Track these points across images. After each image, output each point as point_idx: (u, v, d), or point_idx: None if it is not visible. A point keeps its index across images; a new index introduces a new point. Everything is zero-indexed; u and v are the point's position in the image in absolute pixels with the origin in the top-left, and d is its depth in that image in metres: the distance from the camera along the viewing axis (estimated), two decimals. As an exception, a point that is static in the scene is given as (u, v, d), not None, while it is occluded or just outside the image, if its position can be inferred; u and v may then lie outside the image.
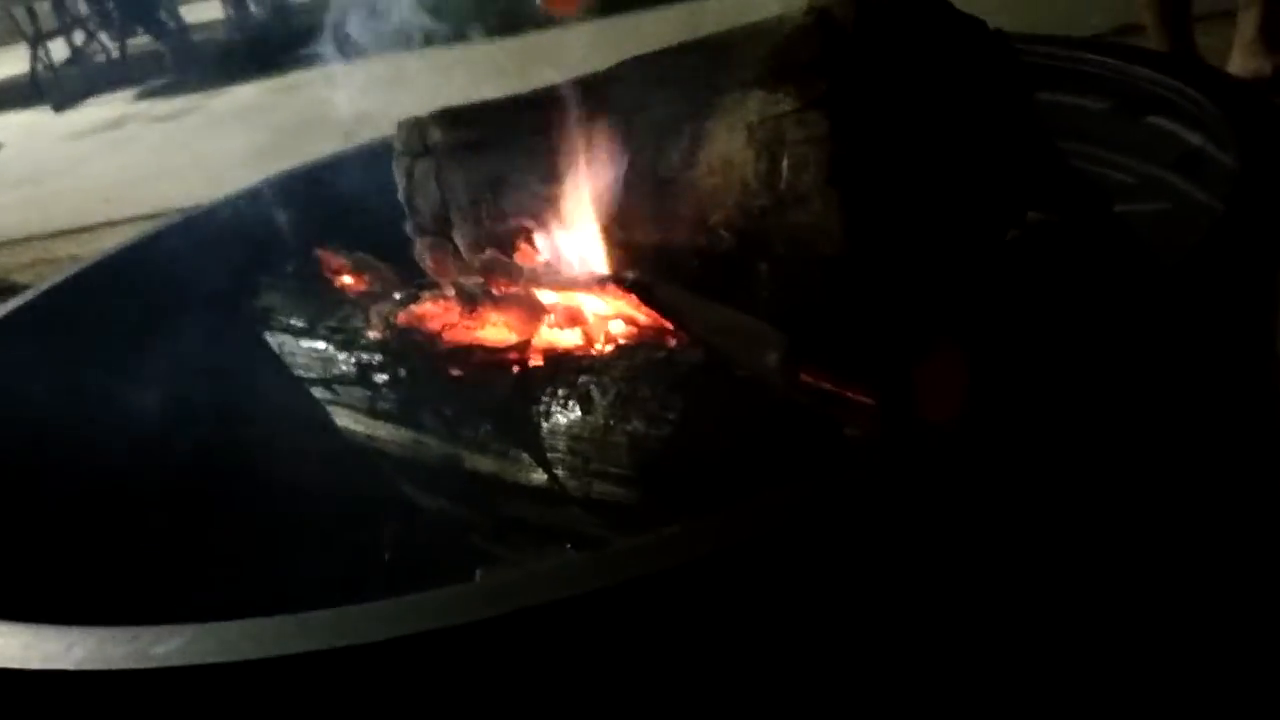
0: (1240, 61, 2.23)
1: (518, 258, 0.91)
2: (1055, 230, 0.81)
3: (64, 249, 3.45)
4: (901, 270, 0.72)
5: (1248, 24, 2.23)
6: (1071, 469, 0.58)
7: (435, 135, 0.98)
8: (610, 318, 0.82)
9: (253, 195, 1.21)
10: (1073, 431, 0.56)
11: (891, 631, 0.56)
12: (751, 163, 0.72)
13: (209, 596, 0.72)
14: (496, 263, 0.90)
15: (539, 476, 0.76)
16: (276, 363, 0.99)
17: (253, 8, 6.25)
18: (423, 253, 1.01)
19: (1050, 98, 0.95)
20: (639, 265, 0.83)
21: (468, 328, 0.87)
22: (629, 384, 0.73)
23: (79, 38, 6.45)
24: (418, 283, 0.99)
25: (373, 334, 0.91)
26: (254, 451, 0.91)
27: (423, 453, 0.85)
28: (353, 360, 0.91)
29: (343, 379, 0.92)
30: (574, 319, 0.83)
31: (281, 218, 1.14)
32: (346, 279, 1.06)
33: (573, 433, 0.74)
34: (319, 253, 1.08)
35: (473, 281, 0.89)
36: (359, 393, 0.90)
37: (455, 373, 0.84)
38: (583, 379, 0.75)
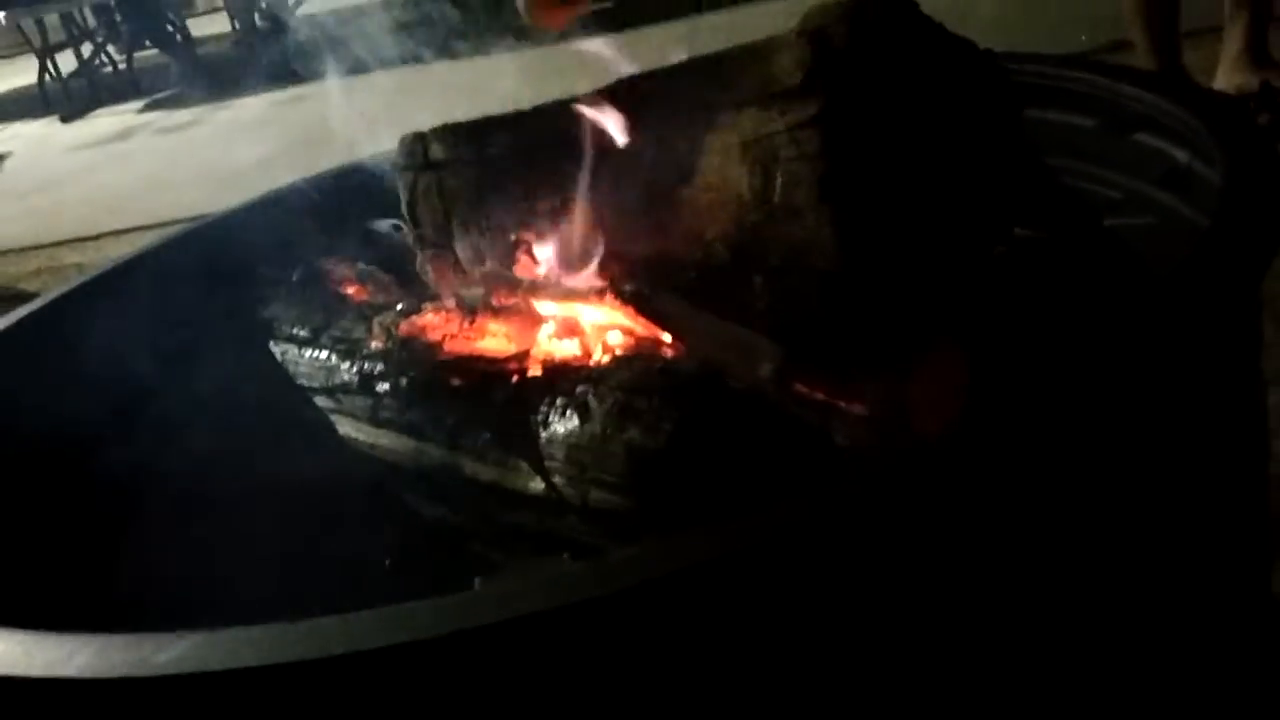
0: (1226, 77, 2.24)
1: (518, 269, 0.92)
2: (1043, 246, 0.82)
3: (70, 258, 3.47)
4: (894, 284, 0.73)
5: (1234, 40, 2.24)
6: (1063, 482, 0.59)
7: (437, 150, 0.99)
8: (608, 329, 0.84)
9: (256, 207, 1.22)
10: (1063, 444, 0.57)
11: (887, 642, 0.56)
12: (746, 179, 0.73)
13: (209, 603, 0.73)
14: (497, 274, 0.91)
15: (537, 485, 0.77)
16: (279, 370, 1.00)
17: (259, 21, 6.27)
18: (424, 264, 1.03)
19: (1040, 115, 0.96)
20: (636, 277, 0.84)
21: (468, 338, 0.88)
22: (626, 394, 0.73)
23: (87, 50, 6.49)
24: (419, 294, 1.00)
25: (375, 343, 0.92)
26: (256, 459, 0.91)
27: (423, 461, 0.86)
28: (355, 369, 0.92)
29: (345, 388, 0.93)
30: (572, 330, 0.85)
31: (285, 228, 1.15)
32: (350, 289, 1.07)
33: (570, 442, 0.75)
34: (323, 263, 1.09)
35: (473, 293, 0.90)
36: (361, 401, 0.91)
37: (456, 382, 0.85)
38: (580, 389, 0.76)
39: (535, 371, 0.82)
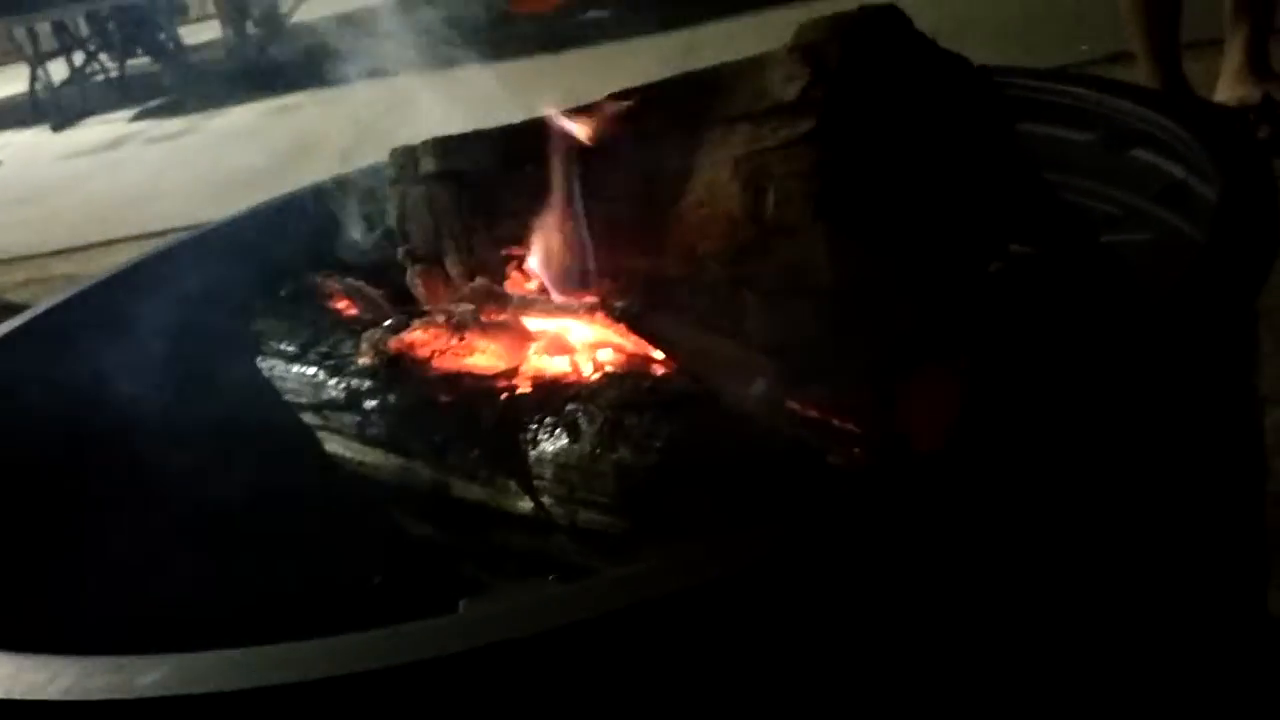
0: (1228, 89, 2.25)
1: (508, 285, 0.92)
2: (1040, 262, 0.82)
3: (59, 268, 3.46)
4: (888, 301, 0.73)
5: (1235, 52, 2.25)
6: (1059, 499, 0.58)
7: (428, 163, 0.99)
8: (598, 346, 0.83)
9: (246, 219, 1.22)
10: (1059, 462, 0.57)
11: (880, 661, 0.56)
12: (739, 195, 0.73)
13: (194, 625, 0.72)
14: (487, 290, 0.91)
15: (526, 504, 0.76)
16: (267, 387, 0.99)
17: (251, 30, 6.28)
18: (414, 279, 1.02)
19: (1038, 130, 0.96)
20: (628, 294, 0.84)
21: (457, 354, 0.87)
22: (616, 412, 0.73)
23: (78, 58, 6.48)
24: (409, 309, 0.99)
25: (363, 360, 0.91)
26: (242, 477, 0.91)
27: (411, 479, 0.85)
28: (343, 386, 0.92)
29: (333, 404, 0.92)
30: (562, 347, 0.84)
31: (274, 242, 1.15)
32: (339, 304, 1.07)
33: (560, 461, 0.74)
34: (312, 278, 1.09)
35: (463, 308, 0.90)
36: (349, 418, 0.91)
37: (444, 399, 0.84)
38: (570, 407, 0.76)
39: (524, 389, 0.81)
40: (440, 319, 0.88)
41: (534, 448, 0.76)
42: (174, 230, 3.03)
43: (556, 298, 0.88)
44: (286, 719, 0.51)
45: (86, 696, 0.51)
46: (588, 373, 0.81)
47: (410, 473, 0.85)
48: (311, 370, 0.95)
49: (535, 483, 0.76)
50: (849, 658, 0.55)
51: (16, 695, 0.52)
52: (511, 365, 0.85)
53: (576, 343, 0.84)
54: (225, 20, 6.42)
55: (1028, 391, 0.66)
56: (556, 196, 0.87)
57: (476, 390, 0.83)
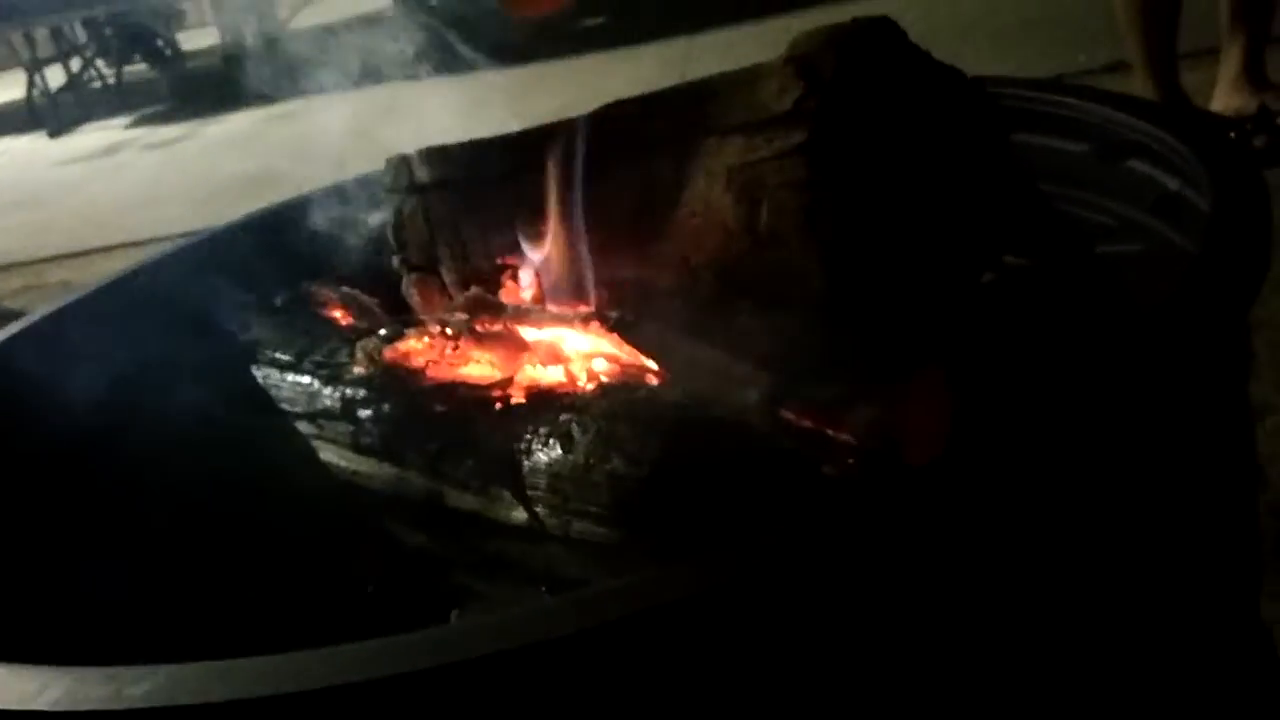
0: (1224, 99, 2.26)
1: (503, 294, 0.92)
2: (1034, 273, 0.82)
3: (56, 275, 3.46)
4: (881, 312, 0.73)
5: (1231, 62, 2.26)
6: (1051, 509, 0.59)
7: (423, 172, 0.99)
8: (592, 356, 0.83)
9: (240, 227, 1.22)
10: (1052, 472, 0.57)
11: (872, 672, 0.56)
12: (732, 206, 0.73)
13: (186, 634, 0.72)
14: (482, 299, 0.91)
15: (519, 514, 0.76)
16: (261, 396, 0.99)
17: (249, 37, 6.28)
18: (409, 288, 1.02)
19: (1033, 140, 0.96)
20: (622, 304, 0.84)
21: (452, 364, 0.87)
22: (610, 423, 0.73)
23: (76, 64, 6.48)
24: (404, 318, 1.00)
25: (358, 369, 0.91)
26: (234, 486, 0.91)
27: (405, 488, 0.85)
28: (337, 395, 0.92)
29: (327, 413, 0.92)
30: (557, 357, 0.84)
31: (269, 250, 1.15)
32: (334, 313, 1.07)
33: (553, 471, 0.74)
34: (307, 286, 1.09)
35: (458, 318, 0.90)
36: (343, 427, 0.91)
37: (439, 409, 0.84)
38: (564, 417, 0.76)
39: (519, 399, 0.81)
40: (435, 328, 0.88)
41: (528, 458, 0.76)
42: (170, 237, 3.03)
43: (551, 307, 0.89)
44: (278, 730, 0.51)
45: (77, 707, 0.51)
46: (582, 383, 0.82)
47: (404, 482, 0.85)
48: (306, 379, 0.95)
49: (529, 493, 0.76)
50: (843, 669, 0.55)
51: (6, 705, 0.52)
52: (506, 375, 0.85)
53: (571, 353, 0.84)
54: (222, 27, 6.42)
55: (1021, 402, 0.66)
56: (551, 206, 0.87)
57: (471, 400, 0.83)
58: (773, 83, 0.71)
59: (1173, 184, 0.84)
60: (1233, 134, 2.10)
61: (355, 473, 0.90)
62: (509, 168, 0.92)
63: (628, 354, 0.80)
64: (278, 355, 0.99)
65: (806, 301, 0.72)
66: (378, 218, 1.07)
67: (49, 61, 6.39)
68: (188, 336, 1.04)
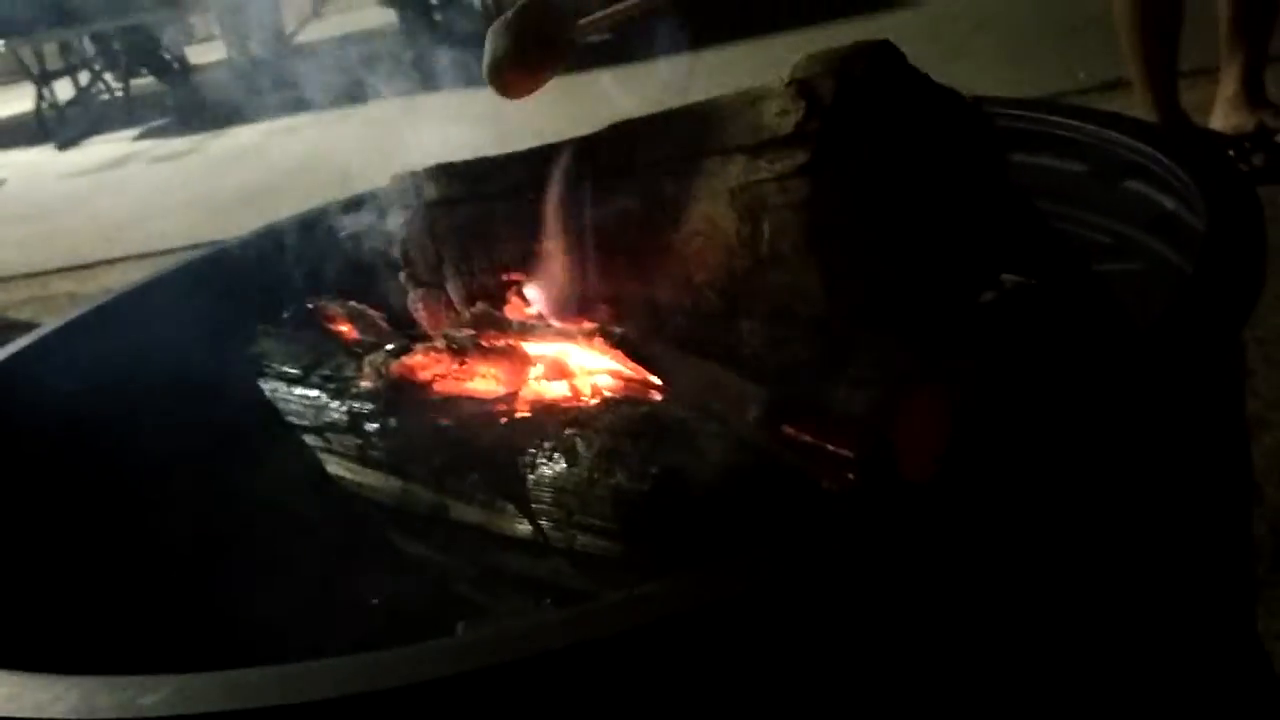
0: (1223, 117, 2.27)
1: (508, 310, 0.93)
2: (1032, 291, 0.83)
3: (62, 286, 3.47)
4: (880, 330, 0.74)
5: (1230, 80, 2.27)
6: (1047, 525, 0.59)
7: (430, 189, 1.00)
8: (596, 371, 0.84)
9: (248, 242, 1.23)
10: (1048, 488, 0.57)
11: (870, 686, 0.56)
12: (734, 225, 0.74)
13: (196, 645, 0.73)
14: (487, 315, 0.92)
15: (524, 528, 0.77)
16: (268, 408, 1.00)
17: (256, 50, 6.30)
18: (416, 303, 1.03)
19: (1032, 160, 0.97)
20: (626, 321, 0.85)
21: (458, 378, 0.88)
22: (613, 438, 0.74)
23: (84, 78, 6.51)
24: (410, 333, 1.00)
25: (365, 383, 0.92)
26: (242, 499, 0.92)
27: (410, 501, 0.86)
28: (345, 408, 0.93)
29: (334, 427, 0.93)
30: (561, 372, 0.85)
31: (276, 265, 1.15)
32: (340, 328, 1.08)
33: (558, 485, 0.75)
34: (314, 301, 1.10)
35: (464, 333, 0.91)
36: (350, 440, 0.91)
37: (444, 423, 0.85)
38: (568, 431, 0.77)
39: (523, 413, 0.82)
40: (441, 343, 0.89)
41: (532, 472, 0.77)
42: (176, 250, 3.05)
43: (555, 323, 0.90)
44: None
45: (90, 715, 0.51)
46: (586, 398, 0.82)
47: (410, 495, 0.86)
48: (313, 393, 0.96)
49: (533, 506, 0.76)
50: (844, 681, 0.56)
51: (21, 714, 0.53)
52: (511, 390, 0.86)
53: (575, 368, 0.85)
54: (229, 41, 6.45)
55: (1018, 419, 0.67)
56: (556, 223, 0.88)
57: (476, 414, 0.84)
58: (775, 105, 0.72)
59: (1169, 203, 0.85)
60: (1231, 152, 2.11)
61: (361, 485, 0.91)
62: (515, 185, 0.93)
63: (631, 370, 0.81)
64: (285, 369, 1.00)
65: (807, 319, 0.73)
66: (384, 233, 1.08)
67: (57, 75, 6.43)
68: (195, 350, 1.05)
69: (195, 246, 1.27)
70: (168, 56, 6.58)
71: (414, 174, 1.01)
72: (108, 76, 6.60)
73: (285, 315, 1.10)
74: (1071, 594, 0.62)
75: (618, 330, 0.82)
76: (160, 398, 0.98)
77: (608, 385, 0.83)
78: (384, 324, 1.06)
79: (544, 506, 0.76)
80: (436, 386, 0.88)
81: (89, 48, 6.61)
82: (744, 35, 4.24)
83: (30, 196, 5.01)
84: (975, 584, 0.57)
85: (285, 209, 1.29)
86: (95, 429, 0.95)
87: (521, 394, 0.85)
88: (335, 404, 0.93)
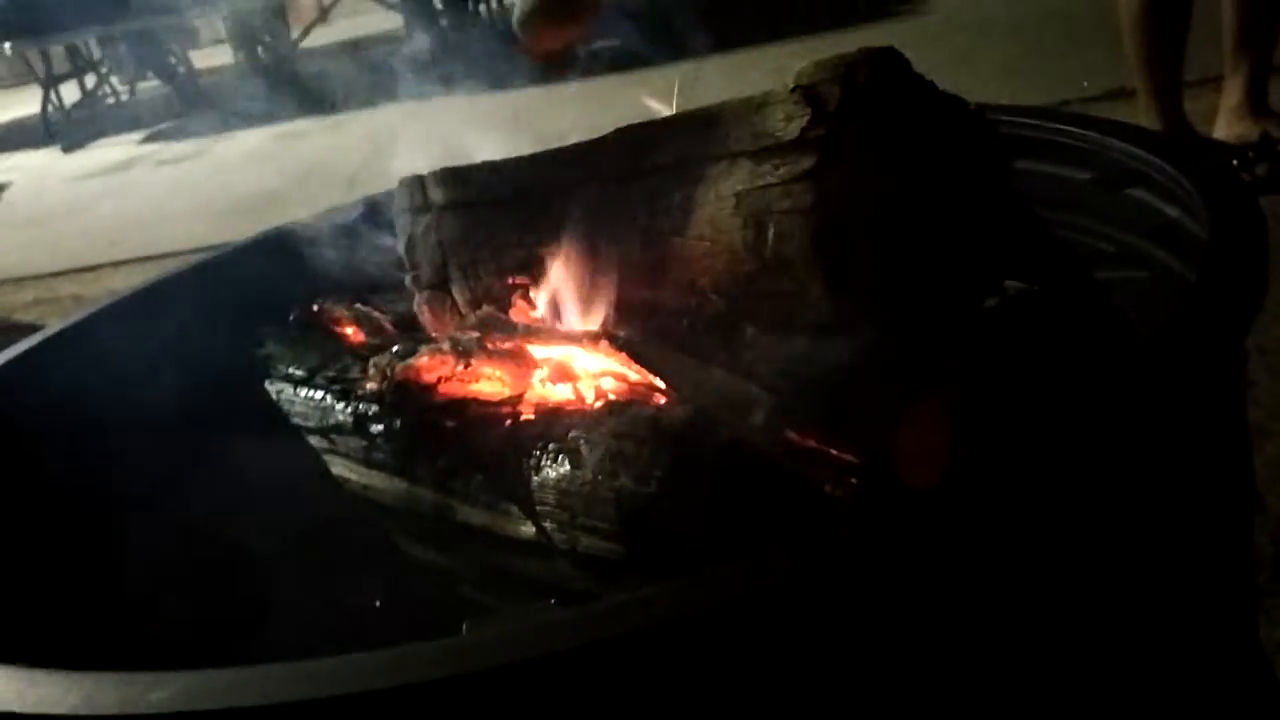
0: (1227, 127, 2.27)
1: (513, 314, 0.93)
2: (1035, 298, 0.83)
3: (67, 289, 3.48)
4: (884, 336, 0.74)
5: (1234, 90, 2.27)
6: (1050, 534, 0.59)
7: (436, 192, 1.01)
8: (601, 375, 0.84)
9: (254, 245, 1.24)
10: (1051, 497, 0.58)
11: (872, 692, 0.57)
12: (739, 230, 0.74)
13: (200, 643, 0.73)
14: (492, 318, 0.92)
15: (528, 530, 0.78)
16: (274, 409, 1.00)
17: (262, 54, 6.32)
18: (421, 307, 1.04)
19: (1035, 168, 0.98)
20: (630, 324, 0.85)
21: (463, 381, 0.89)
22: (618, 441, 0.74)
23: (90, 81, 6.53)
24: (415, 336, 1.01)
25: (370, 385, 0.93)
26: (247, 499, 0.92)
27: (415, 503, 0.86)
28: (350, 410, 0.93)
29: (339, 428, 0.94)
30: (566, 375, 0.85)
31: (281, 268, 1.16)
32: (346, 330, 1.08)
33: (562, 487, 0.75)
34: (320, 304, 1.10)
35: (469, 336, 0.91)
36: (355, 442, 0.92)
37: (450, 425, 0.86)
38: (573, 434, 0.77)
39: (528, 416, 0.82)
40: (446, 346, 0.90)
41: (537, 474, 0.77)
42: (182, 253, 3.05)
43: (560, 327, 0.90)
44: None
45: (97, 712, 0.52)
46: (591, 401, 0.83)
47: (414, 496, 0.86)
48: (319, 394, 0.97)
49: (537, 508, 0.77)
50: (848, 684, 0.56)
51: (29, 710, 0.53)
52: (516, 392, 0.86)
53: (580, 371, 0.85)
54: (235, 45, 6.47)
55: (1021, 427, 0.67)
56: (562, 227, 0.88)
57: (481, 416, 0.84)
58: (780, 111, 0.72)
59: (1172, 212, 0.85)
60: (1235, 161, 2.12)
61: (366, 487, 0.91)
62: (521, 189, 0.93)
63: (636, 373, 0.81)
64: (291, 371, 1.01)
65: (811, 324, 0.73)
66: (390, 237, 1.08)
67: (64, 78, 6.44)
68: (199, 353, 1.06)
69: (201, 249, 1.27)
70: (174, 60, 6.59)
71: (420, 177, 1.02)
72: (114, 80, 6.62)
73: (291, 318, 1.10)
74: (1074, 602, 0.62)
75: (622, 334, 0.82)
76: (163, 398, 0.98)
77: (612, 389, 0.83)
78: (389, 327, 1.07)
79: (548, 509, 0.76)
80: (442, 389, 0.88)
81: (96, 51, 6.62)
82: (749, 42, 4.25)
83: (36, 199, 5.02)
84: (978, 591, 0.57)
85: (291, 213, 1.29)
86: (97, 429, 0.96)
87: (526, 397, 0.85)
88: (340, 406, 0.94)
